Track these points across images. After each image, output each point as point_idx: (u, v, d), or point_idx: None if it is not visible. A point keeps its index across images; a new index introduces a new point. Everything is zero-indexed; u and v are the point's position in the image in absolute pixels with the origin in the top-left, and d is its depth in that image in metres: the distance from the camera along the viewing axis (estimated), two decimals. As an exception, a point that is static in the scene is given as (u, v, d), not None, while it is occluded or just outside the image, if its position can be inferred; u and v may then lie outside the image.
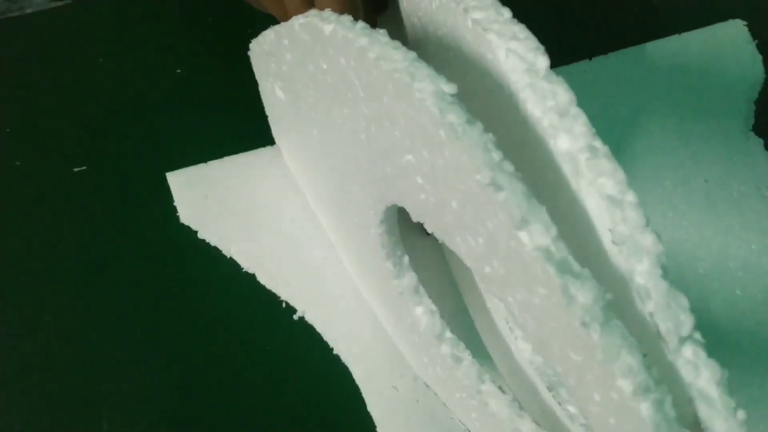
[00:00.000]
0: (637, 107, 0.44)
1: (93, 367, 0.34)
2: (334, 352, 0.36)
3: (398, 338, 0.35)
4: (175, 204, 0.38)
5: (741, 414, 0.16)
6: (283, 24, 0.28)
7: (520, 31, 0.21)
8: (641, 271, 0.17)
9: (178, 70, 0.44)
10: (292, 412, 0.34)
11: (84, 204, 0.39)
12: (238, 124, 0.42)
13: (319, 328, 0.36)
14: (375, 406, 0.35)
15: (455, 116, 0.18)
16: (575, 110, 0.19)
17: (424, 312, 0.29)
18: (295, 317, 0.36)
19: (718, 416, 0.16)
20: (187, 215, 0.38)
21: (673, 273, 0.19)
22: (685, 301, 0.16)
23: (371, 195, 0.26)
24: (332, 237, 0.38)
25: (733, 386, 0.17)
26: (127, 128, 0.42)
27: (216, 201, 0.38)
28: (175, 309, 0.36)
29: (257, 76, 0.36)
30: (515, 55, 0.20)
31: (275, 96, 0.34)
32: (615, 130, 0.43)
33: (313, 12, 0.24)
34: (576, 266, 0.16)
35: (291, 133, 0.37)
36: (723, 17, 0.49)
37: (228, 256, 0.37)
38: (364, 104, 0.23)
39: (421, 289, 0.29)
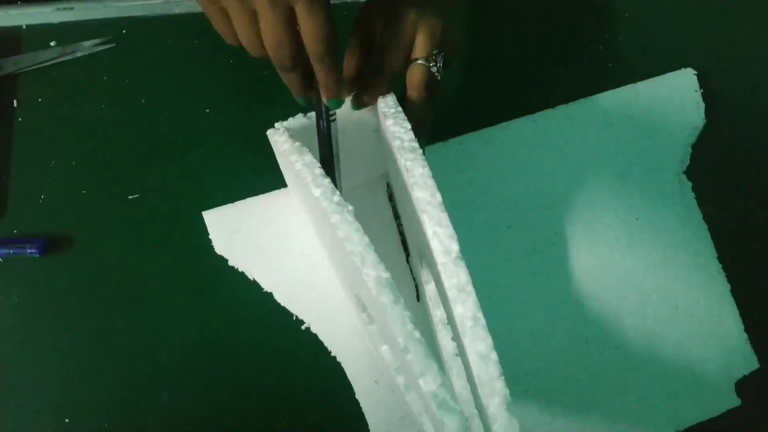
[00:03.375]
0: (588, 152, 0.51)
1: (143, 354, 0.47)
2: (332, 354, 0.48)
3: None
4: (210, 237, 0.49)
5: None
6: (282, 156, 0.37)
7: (444, 219, 0.30)
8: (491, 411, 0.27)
9: (207, 110, 0.53)
10: (299, 401, 0.47)
11: (136, 228, 0.50)
12: (257, 158, 0.51)
13: (321, 337, 0.48)
14: (362, 395, 0.47)
15: (386, 298, 0.28)
16: (470, 288, 0.29)
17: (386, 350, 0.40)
18: (303, 327, 0.48)
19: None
20: (220, 247, 0.49)
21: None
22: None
23: (345, 279, 0.37)
24: (330, 267, 0.49)
25: None
26: (170, 162, 0.52)
27: (242, 235, 0.49)
28: (208, 322, 0.48)
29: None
30: (437, 238, 0.30)
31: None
32: (565, 175, 0.51)
33: (310, 162, 0.34)
34: (452, 403, 0.27)
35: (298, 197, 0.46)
36: (686, 64, 0.55)
37: (251, 279, 0.49)
38: (337, 248, 0.33)
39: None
